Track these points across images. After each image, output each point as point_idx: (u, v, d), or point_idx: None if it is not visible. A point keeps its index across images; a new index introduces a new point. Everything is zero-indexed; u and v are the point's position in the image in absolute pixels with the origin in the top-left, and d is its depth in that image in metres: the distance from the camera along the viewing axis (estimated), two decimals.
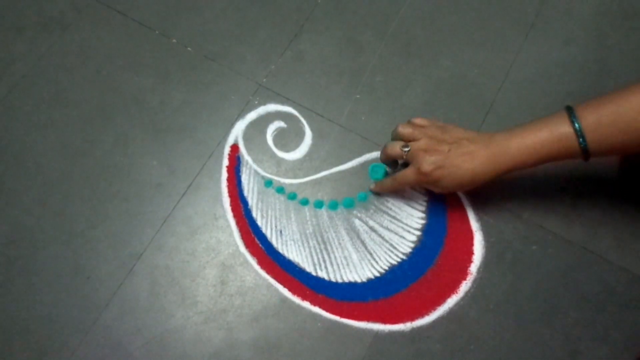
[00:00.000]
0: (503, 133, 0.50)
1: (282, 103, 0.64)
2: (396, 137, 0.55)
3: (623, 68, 0.65)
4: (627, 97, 0.45)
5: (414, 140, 0.53)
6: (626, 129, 0.45)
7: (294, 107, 0.64)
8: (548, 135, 0.48)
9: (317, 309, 0.55)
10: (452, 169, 0.50)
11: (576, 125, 0.46)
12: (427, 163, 0.51)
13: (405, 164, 0.54)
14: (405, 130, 0.54)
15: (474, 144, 0.50)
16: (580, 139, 0.46)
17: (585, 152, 0.47)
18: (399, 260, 0.57)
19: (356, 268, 0.57)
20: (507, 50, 0.66)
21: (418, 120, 0.54)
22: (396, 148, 0.53)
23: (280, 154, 0.62)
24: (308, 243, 0.58)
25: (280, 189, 0.60)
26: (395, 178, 0.55)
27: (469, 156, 0.50)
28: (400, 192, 0.59)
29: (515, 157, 0.49)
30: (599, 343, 0.53)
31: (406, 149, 0.52)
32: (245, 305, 0.55)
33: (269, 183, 0.60)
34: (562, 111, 0.48)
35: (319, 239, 0.58)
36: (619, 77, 0.64)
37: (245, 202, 0.59)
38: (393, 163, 0.58)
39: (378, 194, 0.59)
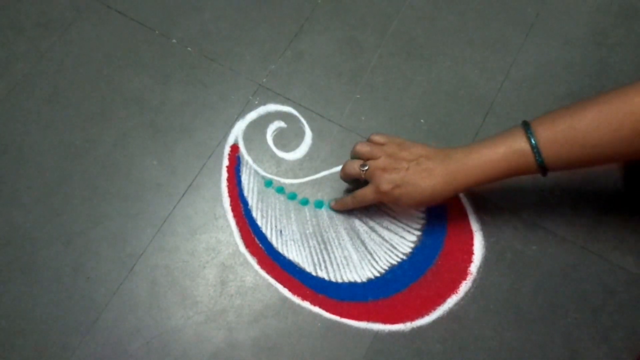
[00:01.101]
0: (462, 149, 0.50)
1: (282, 103, 0.64)
2: (355, 155, 0.54)
3: (623, 68, 0.65)
4: (582, 113, 0.45)
5: (372, 158, 0.52)
6: (581, 144, 0.45)
7: (294, 107, 0.64)
8: (505, 151, 0.48)
9: (317, 309, 0.55)
10: (411, 187, 0.50)
11: (532, 141, 0.46)
12: (385, 182, 0.50)
13: (367, 182, 0.54)
14: (363, 148, 0.53)
15: (432, 161, 0.50)
16: (537, 155, 0.46)
17: (541, 167, 0.47)
18: (399, 260, 0.57)
19: (356, 268, 0.57)
20: (507, 50, 0.66)
21: (377, 138, 0.54)
22: (355, 167, 0.53)
23: (280, 154, 0.62)
24: (308, 243, 0.58)
25: (280, 189, 0.60)
26: (354, 196, 0.55)
27: (427, 173, 0.50)
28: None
29: (473, 174, 0.49)
30: (599, 343, 0.53)
31: (364, 168, 0.52)
32: (245, 305, 0.55)
33: (269, 183, 0.60)
34: (519, 127, 0.48)
35: (319, 239, 0.58)
36: (619, 77, 0.64)
37: (245, 202, 0.59)
38: (355, 181, 0.57)
39: (338, 211, 0.59)
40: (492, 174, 0.49)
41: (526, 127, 0.47)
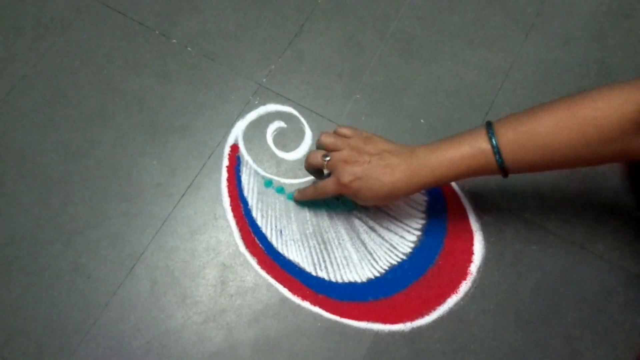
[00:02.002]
0: (425, 146, 0.50)
1: (282, 103, 0.64)
2: (319, 146, 0.54)
3: (623, 68, 0.65)
4: (545, 116, 0.45)
5: (336, 150, 0.52)
6: (542, 148, 0.45)
7: (294, 107, 0.64)
8: (467, 150, 0.47)
9: (317, 309, 0.55)
10: (371, 181, 0.50)
11: (493, 142, 0.46)
12: (346, 174, 0.50)
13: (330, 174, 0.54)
14: (327, 139, 0.53)
15: (396, 157, 0.50)
16: (497, 156, 0.46)
17: (502, 169, 0.47)
18: (399, 260, 0.57)
19: (356, 268, 0.57)
20: (507, 50, 0.66)
21: (343, 130, 0.54)
22: (318, 157, 0.53)
23: (280, 154, 0.62)
24: (308, 243, 0.58)
25: (280, 189, 0.60)
26: (316, 187, 0.54)
27: (389, 169, 0.49)
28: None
29: (434, 172, 0.48)
30: (599, 343, 0.53)
31: (327, 159, 0.52)
32: (245, 305, 0.55)
33: (269, 183, 0.60)
34: (482, 127, 0.48)
35: (319, 239, 0.58)
36: (619, 77, 0.64)
37: (245, 202, 0.59)
38: (318, 171, 0.56)
39: (300, 202, 0.59)
40: (453, 173, 0.48)
41: (489, 127, 0.47)
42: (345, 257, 0.57)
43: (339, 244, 0.58)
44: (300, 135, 0.62)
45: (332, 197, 0.56)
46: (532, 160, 0.46)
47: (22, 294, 0.55)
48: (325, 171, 0.53)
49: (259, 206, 0.59)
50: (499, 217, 0.58)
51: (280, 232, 0.58)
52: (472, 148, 0.47)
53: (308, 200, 0.58)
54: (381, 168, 0.50)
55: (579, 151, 0.44)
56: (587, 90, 0.45)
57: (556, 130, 0.44)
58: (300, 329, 0.54)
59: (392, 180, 0.49)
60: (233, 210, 0.59)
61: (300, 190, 0.58)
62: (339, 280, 0.56)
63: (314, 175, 0.58)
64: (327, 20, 0.69)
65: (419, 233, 0.58)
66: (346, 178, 0.50)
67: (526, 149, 0.46)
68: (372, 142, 0.52)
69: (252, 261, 0.57)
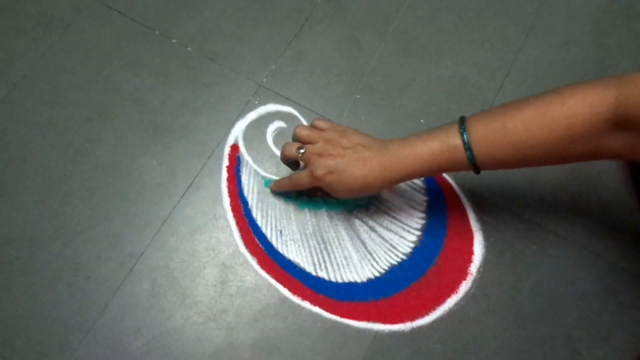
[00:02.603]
0: (398, 141, 0.50)
1: (282, 103, 0.64)
2: (294, 138, 0.56)
3: (623, 68, 0.65)
4: (516, 113, 0.45)
5: (311, 142, 0.53)
6: (514, 144, 0.45)
7: (294, 107, 0.64)
8: (439, 145, 0.47)
9: (317, 309, 0.55)
10: (344, 174, 0.50)
11: (464, 138, 0.46)
12: (319, 167, 0.51)
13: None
14: (302, 132, 0.54)
15: (369, 150, 0.50)
16: (468, 152, 0.46)
17: (473, 165, 0.47)
18: (399, 260, 0.57)
19: (356, 268, 0.57)
20: (507, 50, 0.66)
21: (319, 123, 0.55)
22: (292, 149, 0.54)
23: None
24: (308, 243, 0.58)
25: None
26: (290, 178, 0.56)
27: (362, 162, 0.50)
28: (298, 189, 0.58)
29: (407, 166, 0.49)
30: (599, 343, 0.53)
31: (301, 151, 0.53)
32: (245, 305, 0.55)
33: (268, 183, 0.60)
34: (455, 122, 0.48)
35: (319, 239, 0.58)
36: None
37: (245, 202, 0.59)
38: (294, 163, 0.58)
39: (276, 193, 0.59)
40: (426, 168, 0.48)
41: (461, 123, 0.47)
42: (345, 257, 0.57)
43: (339, 244, 0.58)
44: None
45: (307, 189, 0.56)
46: (503, 156, 0.46)
47: (22, 294, 0.55)
48: (301, 164, 0.54)
49: (259, 206, 0.59)
50: (499, 217, 0.58)
51: (280, 232, 0.58)
52: (443, 144, 0.47)
53: (283, 192, 0.59)
54: (354, 161, 0.50)
55: (551, 149, 0.44)
56: (559, 87, 0.44)
57: (526, 127, 0.44)
58: (300, 329, 0.54)
59: (364, 174, 0.49)
60: (233, 210, 0.59)
61: (276, 182, 0.59)
62: (339, 280, 0.56)
63: (289, 167, 0.60)
64: (327, 20, 0.69)
65: (419, 233, 0.58)
66: (319, 171, 0.51)
67: (497, 145, 0.45)
68: (347, 135, 0.52)
69: (252, 261, 0.57)
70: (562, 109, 0.43)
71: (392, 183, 0.50)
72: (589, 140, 0.42)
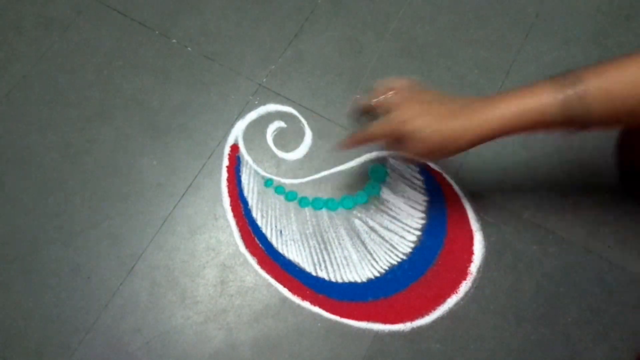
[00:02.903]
0: (492, 96, 0.45)
1: (282, 103, 0.64)
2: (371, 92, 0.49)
3: None
4: (630, 63, 0.42)
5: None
6: (631, 93, 0.41)
7: (294, 107, 0.64)
8: (544, 99, 0.43)
9: (317, 309, 0.55)
10: (427, 124, 0.44)
11: (579, 87, 0.42)
12: (407, 109, 0.45)
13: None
14: (383, 84, 0.49)
15: (457, 103, 0.45)
16: (580, 105, 0.42)
17: (585, 120, 0.42)
18: (399, 260, 0.57)
19: (356, 268, 0.57)
20: (507, 50, 0.66)
21: (394, 82, 0.49)
22: (372, 98, 0.49)
23: (280, 154, 0.62)
24: (308, 243, 0.58)
25: (280, 189, 0.60)
26: (365, 130, 0.48)
27: (451, 113, 0.45)
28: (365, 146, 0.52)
29: (503, 118, 0.44)
30: (599, 343, 0.53)
31: (388, 94, 0.47)
32: (245, 305, 0.55)
33: (269, 183, 0.60)
34: (559, 77, 0.43)
35: (319, 239, 0.58)
36: None
37: (245, 202, 0.59)
38: (367, 115, 0.51)
39: (278, 190, 0.58)
40: (522, 123, 0.43)
41: (568, 76, 0.43)
42: (345, 257, 0.57)
43: (339, 244, 0.58)
44: (300, 135, 0.62)
45: (379, 145, 0.49)
46: (617, 108, 0.42)
47: (22, 294, 0.55)
48: (379, 112, 0.48)
49: (259, 206, 0.59)
50: (499, 217, 0.58)
51: (280, 232, 0.58)
52: (545, 97, 0.43)
53: (285, 192, 0.57)
54: (440, 110, 0.45)
55: None
56: None
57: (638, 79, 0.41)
58: (300, 329, 0.54)
59: (451, 127, 0.44)
60: (233, 210, 0.59)
61: (345, 139, 0.51)
62: (339, 280, 0.56)
63: (359, 121, 0.52)
64: (327, 20, 0.68)
65: (419, 233, 0.58)
66: (406, 113, 0.45)
67: (611, 97, 0.42)
68: (430, 90, 0.48)
69: (252, 261, 0.57)
70: None
71: (476, 140, 0.44)
72: None
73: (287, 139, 0.62)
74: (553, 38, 0.67)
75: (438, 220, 0.58)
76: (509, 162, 0.60)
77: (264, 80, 0.65)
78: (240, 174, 0.61)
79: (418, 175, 0.60)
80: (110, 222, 0.58)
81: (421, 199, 0.59)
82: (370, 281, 0.56)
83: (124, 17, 0.69)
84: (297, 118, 0.63)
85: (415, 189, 0.60)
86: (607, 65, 0.43)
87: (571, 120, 0.43)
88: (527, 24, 0.68)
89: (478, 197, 0.59)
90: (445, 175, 0.60)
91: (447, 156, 0.46)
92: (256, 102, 0.64)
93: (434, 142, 0.45)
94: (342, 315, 0.54)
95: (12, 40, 0.68)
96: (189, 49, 0.67)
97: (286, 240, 0.58)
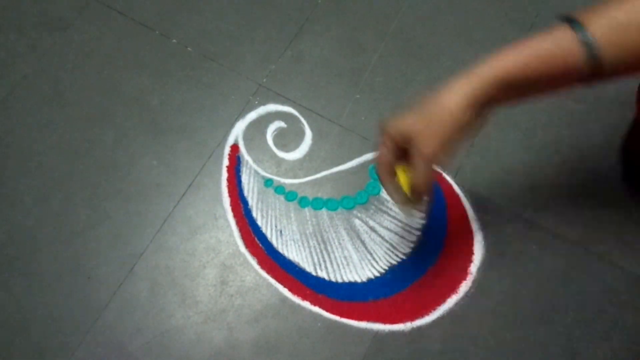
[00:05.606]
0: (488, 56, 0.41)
1: (282, 103, 0.64)
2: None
3: None
4: (634, 2, 0.37)
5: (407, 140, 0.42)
6: (637, 31, 0.37)
7: (294, 107, 0.64)
8: (544, 45, 0.39)
9: (317, 309, 0.55)
10: (430, 107, 0.41)
11: (585, 34, 0.37)
12: (407, 119, 0.42)
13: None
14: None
15: (447, 81, 0.41)
16: (588, 49, 0.37)
17: (594, 62, 0.38)
18: (399, 260, 0.57)
19: (356, 268, 0.57)
20: None
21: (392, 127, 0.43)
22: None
23: (280, 154, 0.62)
24: (308, 243, 0.58)
25: (280, 189, 0.60)
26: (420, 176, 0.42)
27: (445, 89, 0.41)
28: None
29: (503, 65, 0.40)
30: (599, 343, 0.53)
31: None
32: (245, 305, 0.55)
33: (269, 183, 0.60)
34: (559, 24, 0.39)
35: (319, 239, 0.58)
36: None
37: (245, 202, 0.59)
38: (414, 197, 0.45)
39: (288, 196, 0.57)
40: (521, 76, 0.40)
41: (571, 21, 0.38)
42: (345, 257, 0.57)
43: (339, 244, 0.58)
44: (300, 135, 0.62)
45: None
46: (630, 47, 0.37)
47: (22, 294, 0.55)
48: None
49: (259, 206, 0.59)
50: (499, 217, 0.58)
51: (280, 232, 0.58)
52: (549, 42, 0.39)
53: (286, 192, 0.58)
54: (436, 95, 0.41)
55: None
56: None
57: None
58: (300, 329, 0.54)
59: (448, 97, 0.40)
60: (233, 210, 0.59)
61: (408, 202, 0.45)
62: (339, 280, 0.56)
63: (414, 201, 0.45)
64: (327, 20, 0.68)
65: (419, 233, 0.58)
66: (401, 122, 0.42)
67: (621, 35, 0.37)
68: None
69: (252, 261, 0.57)
70: None
71: (477, 99, 0.40)
72: None
73: (287, 139, 0.62)
74: None
75: (438, 220, 0.58)
76: (509, 162, 0.60)
77: (264, 80, 0.65)
78: (241, 174, 0.61)
79: None
80: (110, 222, 0.58)
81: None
82: (370, 281, 0.56)
83: (124, 17, 0.69)
84: (297, 118, 0.63)
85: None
86: (605, 6, 0.38)
87: (575, 70, 0.38)
88: (527, 24, 0.68)
89: (478, 197, 0.59)
90: (445, 175, 0.60)
91: (463, 130, 0.41)
92: (256, 102, 0.64)
93: (437, 124, 0.40)
94: (342, 315, 0.54)
95: (12, 40, 0.68)
96: (189, 49, 0.67)
97: (286, 240, 0.58)
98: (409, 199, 0.44)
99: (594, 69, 0.38)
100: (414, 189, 0.43)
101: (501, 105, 0.41)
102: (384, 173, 0.44)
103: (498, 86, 0.40)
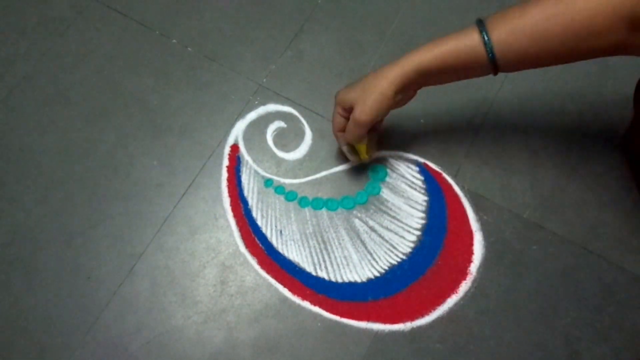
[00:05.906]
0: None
1: (282, 103, 0.64)
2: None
3: (623, 68, 0.65)
4: (534, 5, 0.45)
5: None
6: (532, 35, 0.45)
7: (294, 107, 0.64)
8: (454, 44, 0.48)
9: (317, 309, 0.55)
10: (363, 84, 0.51)
11: (484, 35, 0.46)
12: (339, 92, 0.54)
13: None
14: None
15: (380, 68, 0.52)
16: (488, 48, 0.46)
17: (492, 60, 0.47)
18: (399, 260, 0.57)
19: (356, 268, 0.57)
20: None
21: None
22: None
23: (280, 154, 0.62)
24: (308, 243, 0.58)
25: (280, 189, 0.60)
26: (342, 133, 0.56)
27: (381, 70, 0.51)
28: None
29: (421, 58, 0.49)
30: (599, 343, 0.53)
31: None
32: (245, 305, 0.55)
33: (269, 183, 0.60)
34: (469, 26, 0.48)
35: (319, 239, 0.58)
36: (619, 77, 0.64)
37: (245, 202, 0.59)
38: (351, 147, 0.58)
39: (278, 190, 0.60)
40: (439, 62, 0.48)
41: (479, 23, 0.47)
42: (345, 257, 0.57)
43: (339, 244, 0.58)
44: (300, 135, 0.62)
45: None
46: (522, 48, 0.45)
47: (22, 294, 0.55)
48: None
49: (259, 206, 0.59)
50: (499, 217, 0.58)
51: (280, 232, 0.58)
52: (459, 42, 0.47)
53: (285, 192, 0.60)
54: (372, 74, 0.52)
55: (566, 42, 0.44)
56: None
57: (547, 17, 0.44)
58: (300, 329, 0.54)
59: (377, 78, 0.50)
60: (233, 210, 0.59)
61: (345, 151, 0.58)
62: (339, 280, 0.56)
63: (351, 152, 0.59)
64: (327, 20, 0.69)
65: (419, 233, 0.58)
66: (340, 94, 0.54)
67: (516, 40, 0.45)
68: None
69: (252, 261, 0.57)
70: (581, 2, 0.43)
71: (402, 82, 0.50)
72: (610, 35, 0.42)
73: (287, 139, 0.62)
74: None
75: (438, 221, 0.58)
76: (509, 162, 0.61)
77: (264, 80, 0.65)
78: (241, 174, 0.61)
79: (418, 175, 0.60)
80: (110, 222, 0.58)
81: (421, 199, 0.59)
82: (370, 281, 0.56)
83: (124, 17, 0.69)
84: (297, 118, 0.63)
85: (415, 189, 0.60)
86: (511, 9, 0.46)
87: (478, 63, 0.48)
88: None
89: (478, 197, 0.59)
90: (445, 175, 0.60)
91: (389, 106, 0.52)
92: (256, 102, 0.64)
93: (367, 97, 0.51)
94: (342, 315, 0.54)
95: (12, 40, 0.68)
96: (189, 49, 0.67)
97: (286, 240, 0.58)
98: (354, 152, 0.58)
99: (494, 65, 0.47)
100: (349, 142, 0.56)
101: (424, 86, 0.53)
102: (336, 131, 0.56)
103: (417, 74, 0.50)
